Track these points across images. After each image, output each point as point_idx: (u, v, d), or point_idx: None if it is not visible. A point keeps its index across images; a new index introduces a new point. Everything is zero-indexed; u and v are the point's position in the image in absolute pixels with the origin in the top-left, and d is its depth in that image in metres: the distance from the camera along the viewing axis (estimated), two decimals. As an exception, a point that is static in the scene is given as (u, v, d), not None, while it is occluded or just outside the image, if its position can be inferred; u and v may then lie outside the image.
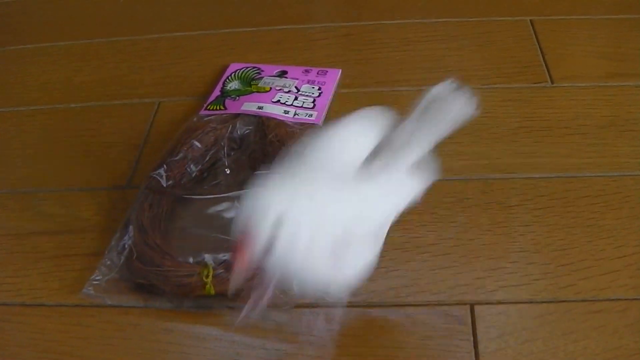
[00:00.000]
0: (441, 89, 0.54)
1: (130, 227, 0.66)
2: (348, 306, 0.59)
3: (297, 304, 0.60)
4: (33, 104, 0.90)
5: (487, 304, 0.61)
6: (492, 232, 0.66)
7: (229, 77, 0.84)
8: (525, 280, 0.62)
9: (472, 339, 0.59)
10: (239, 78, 0.84)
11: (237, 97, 0.80)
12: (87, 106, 0.89)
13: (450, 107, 0.54)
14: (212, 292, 0.61)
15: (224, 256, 0.62)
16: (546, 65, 0.84)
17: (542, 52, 0.86)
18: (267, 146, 0.72)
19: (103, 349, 0.61)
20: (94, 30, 1.02)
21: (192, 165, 0.72)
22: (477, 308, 0.61)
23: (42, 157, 0.82)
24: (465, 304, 0.61)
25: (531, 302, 0.61)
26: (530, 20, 0.92)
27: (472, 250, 0.65)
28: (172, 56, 0.94)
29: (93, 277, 0.66)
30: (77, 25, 1.04)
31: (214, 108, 0.79)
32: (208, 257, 0.63)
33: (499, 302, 0.61)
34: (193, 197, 0.69)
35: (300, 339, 0.59)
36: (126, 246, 0.66)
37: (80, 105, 0.89)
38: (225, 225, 0.66)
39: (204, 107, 0.80)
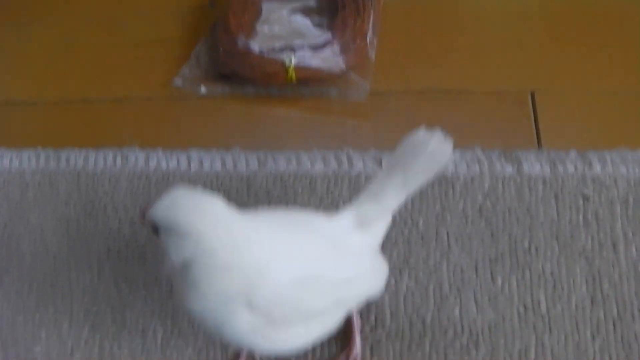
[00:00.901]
0: (418, 138, 0.47)
1: (217, 29, 0.72)
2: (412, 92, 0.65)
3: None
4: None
5: (545, 90, 0.66)
6: (550, 36, 0.71)
7: None
8: (581, 74, 0.68)
9: (532, 116, 0.64)
10: None
11: None
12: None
13: (426, 155, 0.47)
14: (294, 79, 0.67)
15: (302, 51, 0.68)
16: None
17: None
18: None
19: (191, 129, 0.68)
20: None
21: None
22: (537, 94, 0.66)
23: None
24: (526, 91, 0.66)
25: (586, 91, 0.66)
26: None
27: (533, 50, 0.70)
28: None
29: (182, 71, 0.73)
30: None
31: None
32: (289, 50, 0.69)
33: (558, 91, 0.66)
34: (271, 2, 0.74)
35: (372, 117, 0.67)
36: (213, 44, 0.72)
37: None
38: (302, 26, 0.73)
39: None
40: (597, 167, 0.59)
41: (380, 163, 0.61)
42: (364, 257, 0.49)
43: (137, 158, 0.66)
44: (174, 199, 0.43)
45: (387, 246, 0.57)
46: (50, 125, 0.72)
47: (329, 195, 0.61)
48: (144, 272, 0.59)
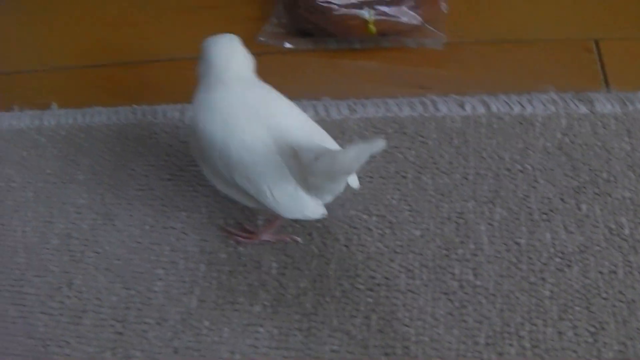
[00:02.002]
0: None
1: (296, -13, 0.77)
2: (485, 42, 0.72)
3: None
4: None
5: (609, 39, 0.71)
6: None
7: None
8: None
9: (598, 62, 0.69)
10: None
11: None
12: None
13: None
14: (374, 31, 0.73)
15: (380, 5, 0.73)
16: None
17: None
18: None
19: (279, 81, 0.72)
20: None
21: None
22: (601, 42, 0.71)
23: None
24: (590, 39, 0.72)
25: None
26: None
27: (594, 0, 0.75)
28: None
29: (266, 29, 0.77)
30: None
31: None
32: (367, 6, 0.74)
33: (621, 38, 0.71)
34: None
35: (449, 65, 0.73)
36: (293, 2, 0.77)
37: None
38: None
39: None
40: (664, 104, 0.65)
41: (462, 106, 0.67)
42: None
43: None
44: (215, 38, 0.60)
45: (477, 180, 0.63)
46: (138, 83, 0.77)
47: (418, 137, 0.66)
48: (253, 211, 0.64)
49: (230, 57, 0.60)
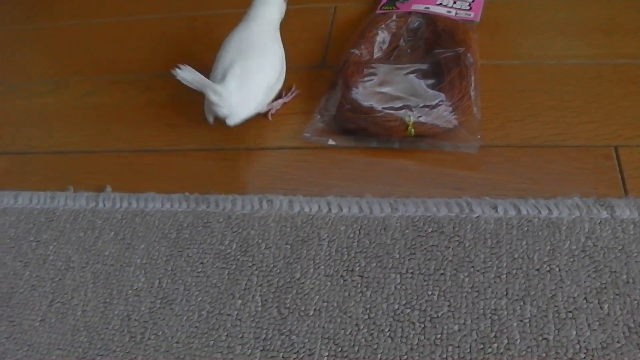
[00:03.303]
0: None
1: (339, 87, 0.85)
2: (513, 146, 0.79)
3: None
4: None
5: (627, 146, 0.79)
6: (625, 99, 0.84)
7: (396, -15, 1.03)
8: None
9: (617, 169, 0.77)
10: (405, -14, 1.02)
11: (405, 1, 0.98)
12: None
13: None
14: (413, 133, 0.80)
15: (418, 107, 0.81)
16: None
17: None
18: (439, 33, 0.91)
19: (323, 177, 0.80)
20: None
21: (379, 47, 0.91)
22: (620, 149, 0.79)
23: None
24: (610, 146, 0.79)
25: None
26: None
27: (611, 111, 0.83)
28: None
29: (310, 125, 0.85)
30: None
31: (388, 8, 0.97)
32: (407, 109, 0.82)
33: (638, 146, 0.79)
34: (385, 65, 0.87)
35: (482, 168, 0.79)
36: (338, 100, 0.85)
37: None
38: (413, 87, 0.86)
39: (378, 8, 0.98)
40: (678, 212, 0.72)
41: (496, 209, 0.74)
42: None
43: (281, 202, 0.78)
44: None
45: (509, 279, 0.69)
46: (189, 172, 0.84)
47: (455, 236, 0.73)
48: (303, 301, 0.70)
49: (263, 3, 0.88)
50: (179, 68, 0.76)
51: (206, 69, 0.82)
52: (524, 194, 0.74)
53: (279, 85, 0.86)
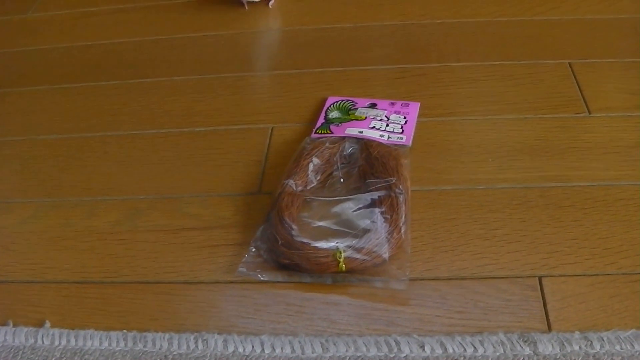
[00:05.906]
0: None
1: (273, 221, 0.87)
2: (442, 279, 0.82)
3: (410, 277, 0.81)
4: (161, 127, 1.12)
5: (551, 276, 0.82)
6: (550, 225, 0.88)
7: (330, 107, 1.06)
8: (579, 259, 0.84)
9: (541, 300, 0.80)
10: (338, 108, 1.06)
11: (339, 124, 1.02)
12: (209, 130, 1.10)
13: None
14: (344, 269, 0.83)
15: (349, 242, 0.83)
16: (584, 100, 1.07)
17: (580, 89, 1.08)
18: (372, 161, 0.94)
19: (258, 313, 0.81)
20: (204, 68, 1.26)
21: (314, 176, 0.94)
22: (544, 280, 0.82)
23: (179, 170, 1.04)
24: (535, 276, 0.82)
25: (584, 275, 0.82)
26: (569, 63, 1.15)
27: (537, 238, 0.86)
28: (277, 90, 1.16)
29: (245, 258, 0.87)
30: (189, 63, 1.28)
31: (322, 132, 1.01)
32: (338, 243, 0.84)
33: (560, 275, 0.82)
34: (319, 198, 0.90)
35: (411, 303, 0.81)
36: (271, 235, 0.87)
37: (203, 129, 1.11)
38: (345, 220, 0.89)
39: (313, 131, 1.02)
40: (597, 346, 0.75)
41: (423, 347, 0.76)
42: None
43: (216, 342, 0.79)
44: None
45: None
46: (128, 306, 0.85)
47: (385, 376, 0.75)
48: None
49: None
50: None
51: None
52: (452, 329, 0.76)
53: None
